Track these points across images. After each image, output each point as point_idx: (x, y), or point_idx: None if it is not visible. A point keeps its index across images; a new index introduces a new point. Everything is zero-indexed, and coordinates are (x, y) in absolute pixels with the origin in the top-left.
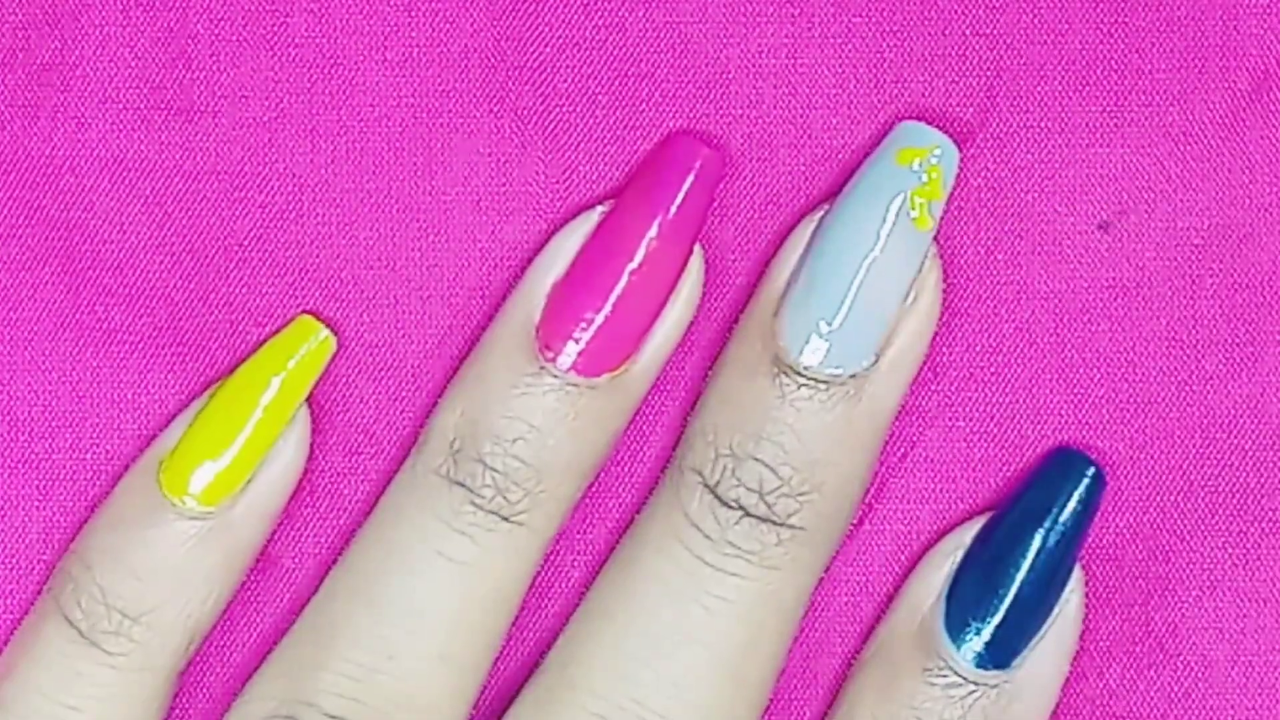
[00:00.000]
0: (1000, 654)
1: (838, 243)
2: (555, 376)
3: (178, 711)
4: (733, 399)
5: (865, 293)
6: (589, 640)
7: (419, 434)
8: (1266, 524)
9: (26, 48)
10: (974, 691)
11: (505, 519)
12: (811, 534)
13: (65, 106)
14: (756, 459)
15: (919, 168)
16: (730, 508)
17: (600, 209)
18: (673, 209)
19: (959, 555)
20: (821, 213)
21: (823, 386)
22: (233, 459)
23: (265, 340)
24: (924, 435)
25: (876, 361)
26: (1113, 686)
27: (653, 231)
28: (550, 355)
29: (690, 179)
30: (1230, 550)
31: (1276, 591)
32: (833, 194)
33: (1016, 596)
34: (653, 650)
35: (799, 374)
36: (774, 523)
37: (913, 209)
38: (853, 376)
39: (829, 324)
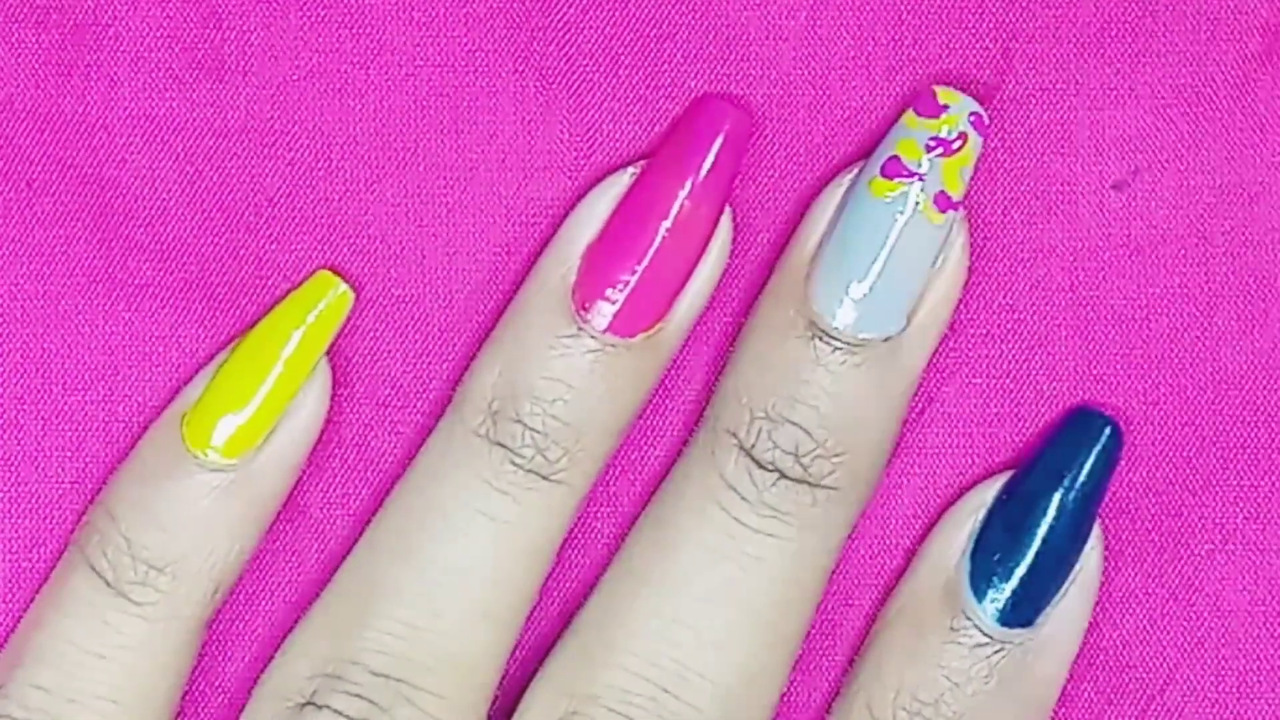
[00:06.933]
0: (1025, 613)
1: (870, 207)
2: (593, 337)
3: (214, 664)
4: (766, 361)
5: (897, 257)
6: (627, 600)
7: (449, 389)
8: (1277, 477)
9: (60, 7)
10: (1000, 650)
11: (544, 478)
12: (845, 493)
13: (98, 65)
14: (792, 422)
15: (949, 134)
16: (766, 470)
17: (631, 170)
18: (704, 171)
19: (981, 514)
20: (851, 176)
21: (856, 350)
22: (254, 412)
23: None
24: (941, 391)
25: (908, 325)
26: (1128, 637)
27: (685, 192)
28: (587, 316)
29: (720, 141)
30: (1242, 503)
31: None
32: (856, 156)
33: (1039, 556)
34: (692, 611)
35: (832, 337)
36: (809, 484)
37: (944, 174)
38: (885, 340)
39: (862, 288)
